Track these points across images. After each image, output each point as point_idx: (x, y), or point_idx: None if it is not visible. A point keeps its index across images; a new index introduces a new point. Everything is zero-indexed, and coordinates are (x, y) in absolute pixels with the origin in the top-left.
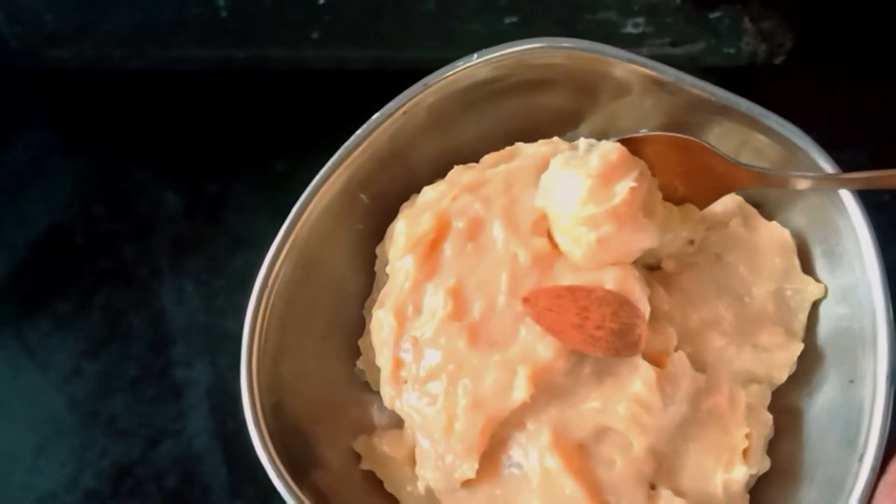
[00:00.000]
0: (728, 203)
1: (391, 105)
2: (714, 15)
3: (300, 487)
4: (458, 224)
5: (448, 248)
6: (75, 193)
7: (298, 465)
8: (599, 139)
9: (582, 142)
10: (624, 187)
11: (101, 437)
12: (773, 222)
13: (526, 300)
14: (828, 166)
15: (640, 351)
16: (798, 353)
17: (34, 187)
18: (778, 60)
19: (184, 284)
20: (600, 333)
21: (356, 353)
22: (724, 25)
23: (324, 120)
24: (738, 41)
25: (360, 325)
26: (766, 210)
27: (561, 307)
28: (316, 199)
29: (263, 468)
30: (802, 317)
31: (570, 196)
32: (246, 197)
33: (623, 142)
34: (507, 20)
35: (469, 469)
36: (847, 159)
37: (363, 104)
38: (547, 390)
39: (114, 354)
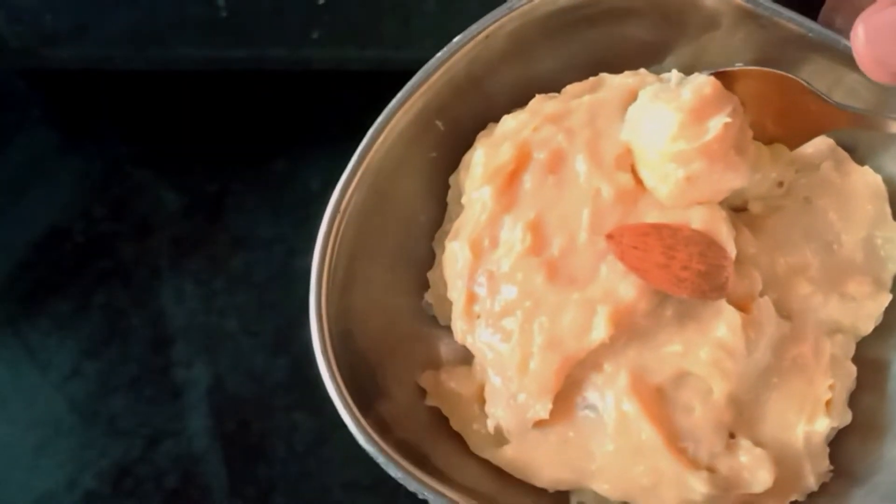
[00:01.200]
0: (819, 145)
1: (473, 28)
2: None
3: (364, 417)
4: (540, 155)
5: (528, 181)
6: (75, 193)
7: (364, 396)
8: (687, 74)
9: (674, 74)
10: (717, 123)
11: (100, 437)
12: (866, 167)
13: (610, 237)
14: None
15: (727, 294)
16: (886, 304)
17: (33, 187)
18: None
19: (184, 284)
20: (686, 274)
21: (424, 285)
22: None
23: (324, 120)
24: None
25: (428, 257)
26: (858, 155)
27: (646, 245)
28: (391, 125)
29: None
30: (892, 266)
31: (659, 131)
32: (246, 197)
33: (716, 75)
34: None
35: (542, 409)
36: None
37: (363, 104)
38: (627, 331)
39: (113, 354)
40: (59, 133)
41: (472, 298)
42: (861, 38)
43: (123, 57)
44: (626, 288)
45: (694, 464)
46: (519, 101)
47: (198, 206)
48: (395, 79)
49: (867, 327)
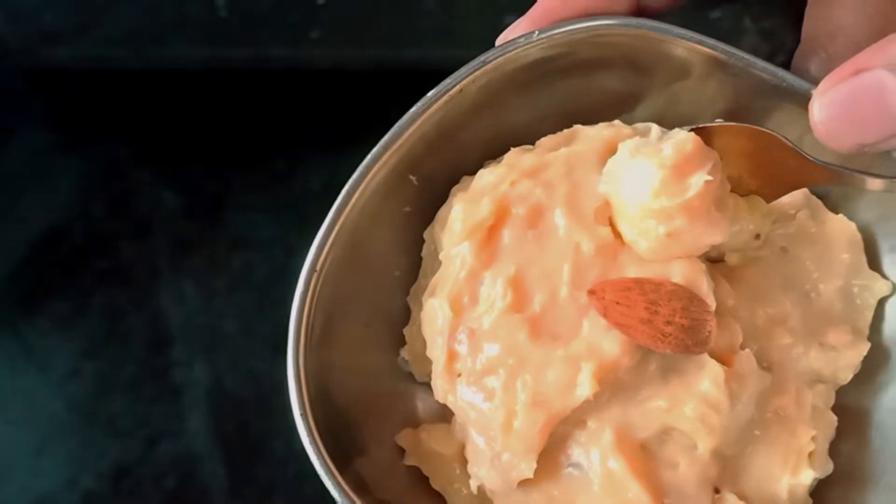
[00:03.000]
0: (795, 195)
1: (446, 82)
2: (714, 15)
3: (343, 477)
4: (518, 210)
5: (507, 236)
6: (74, 193)
7: (342, 455)
8: (659, 122)
9: (654, 129)
10: (699, 180)
11: (99, 438)
12: (840, 215)
13: (592, 292)
14: None
15: (710, 348)
16: (865, 353)
17: (32, 187)
18: (779, 60)
19: (183, 284)
20: (670, 329)
21: (399, 341)
22: (725, 25)
23: (324, 120)
24: (738, 41)
25: (403, 313)
26: (831, 202)
27: (629, 300)
28: (367, 181)
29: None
30: (868, 314)
31: (640, 186)
32: (246, 197)
33: (695, 131)
34: (508, 19)
35: (527, 468)
36: None
37: (363, 104)
38: (611, 388)
39: (113, 355)
40: (59, 133)
41: (452, 356)
42: (815, 114)
43: (123, 57)
44: (610, 344)
45: None
46: (492, 153)
47: (197, 206)
48: (395, 79)
49: (847, 376)
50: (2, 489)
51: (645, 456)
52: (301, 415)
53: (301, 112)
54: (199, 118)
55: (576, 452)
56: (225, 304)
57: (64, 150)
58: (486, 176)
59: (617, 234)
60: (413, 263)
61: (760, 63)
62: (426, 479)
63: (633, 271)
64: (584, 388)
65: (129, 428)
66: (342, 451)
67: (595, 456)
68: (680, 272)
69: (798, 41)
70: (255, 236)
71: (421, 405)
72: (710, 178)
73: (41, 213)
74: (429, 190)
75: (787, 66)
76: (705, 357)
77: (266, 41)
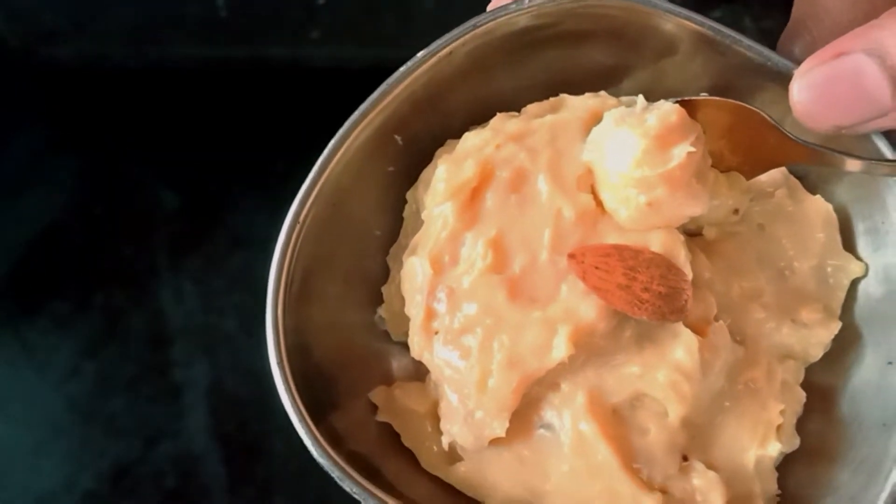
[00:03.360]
0: (774, 173)
1: (436, 45)
2: (715, 15)
3: (318, 429)
4: (502, 174)
5: (490, 198)
6: (73, 192)
7: (317, 408)
8: (645, 97)
9: (640, 100)
10: (681, 151)
11: (99, 437)
12: (818, 196)
13: (572, 256)
14: (884, 148)
15: (686, 317)
16: (836, 332)
17: (32, 186)
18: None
19: (183, 284)
20: (647, 296)
21: (377, 300)
22: (726, 25)
23: (324, 119)
24: None
25: (382, 272)
26: (809, 182)
27: (608, 266)
28: (352, 138)
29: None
30: (841, 294)
31: (623, 155)
32: (245, 196)
33: (679, 103)
34: None
35: (500, 427)
36: None
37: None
38: (586, 351)
39: (112, 354)
40: (59, 132)
41: (430, 314)
42: (794, 94)
43: (122, 56)
44: (587, 308)
45: (648, 485)
46: (477, 118)
47: (197, 206)
48: None
49: (817, 353)
50: (2, 489)
51: (616, 420)
52: (278, 363)
53: (301, 112)
54: (199, 118)
55: (548, 414)
56: (224, 304)
57: (63, 149)
58: (472, 139)
59: (598, 202)
60: (394, 223)
61: (747, 41)
62: (398, 436)
63: (612, 239)
64: (560, 350)
65: (128, 427)
66: (317, 404)
67: (567, 418)
68: (658, 241)
69: None
70: (254, 236)
71: (395, 364)
72: (692, 149)
73: (40, 211)
74: (413, 151)
75: None
76: (680, 326)
77: (266, 41)
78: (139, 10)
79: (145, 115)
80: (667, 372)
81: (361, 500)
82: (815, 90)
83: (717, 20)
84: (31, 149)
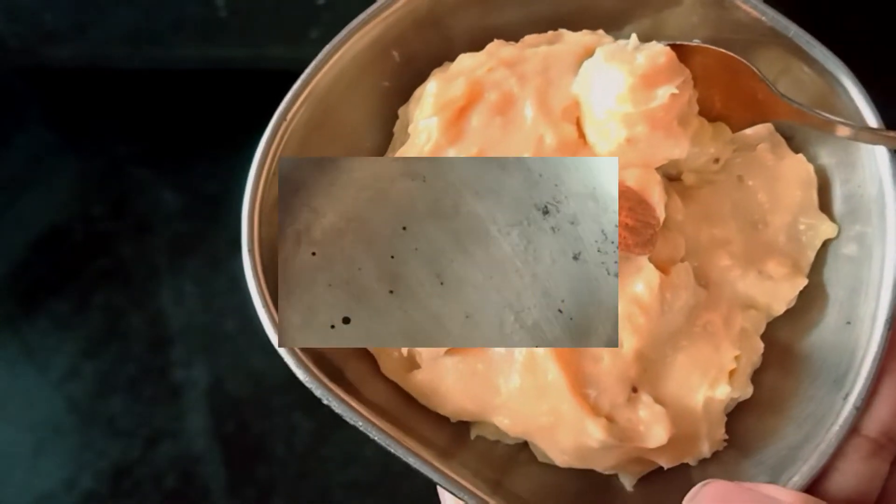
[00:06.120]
0: (759, 128)
1: None
2: None
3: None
4: (490, 96)
5: (475, 118)
6: (74, 193)
7: None
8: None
9: (633, 38)
10: (666, 92)
11: (99, 438)
12: (800, 155)
13: None
14: (870, 116)
15: (651, 251)
16: (801, 288)
17: (32, 187)
18: None
19: (183, 284)
20: None
21: None
22: None
23: None
24: None
25: None
26: (795, 142)
27: None
28: (348, 45)
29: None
30: (811, 253)
31: (608, 90)
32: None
33: (672, 47)
34: None
35: None
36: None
37: None
38: None
39: (112, 354)
40: (59, 133)
41: None
42: None
43: (123, 56)
44: None
45: (594, 410)
46: (477, 45)
47: (197, 206)
48: None
49: (780, 308)
50: (1, 489)
51: None
52: (249, 251)
53: None
54: (199, 118)
55: None
56: (224, 304)
57: (63, 150)
58: (466, 60)
59: (581, 135)
60: (384, 139)
61: None
62: None
63: None
64: None
65: (128, 428)
66: None
67: None
68: (634, 177)
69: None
70: None
71: None
72: (676, 91)
73: (41, 212)
74: (410, 69)
75: None
76: (644, 261)
77: (266, 41)
78: (139, 10)
79: (145, 115)
80: (625, 304)
81: (324, 401)
82: None
83: None
84: (32, 149)
